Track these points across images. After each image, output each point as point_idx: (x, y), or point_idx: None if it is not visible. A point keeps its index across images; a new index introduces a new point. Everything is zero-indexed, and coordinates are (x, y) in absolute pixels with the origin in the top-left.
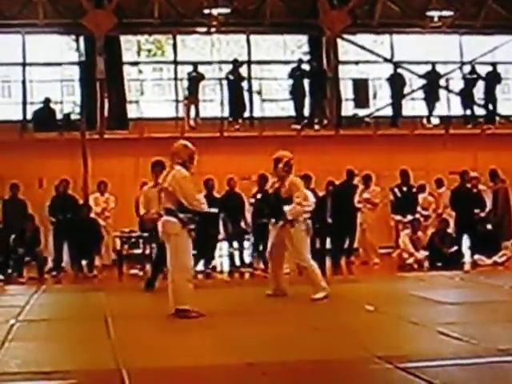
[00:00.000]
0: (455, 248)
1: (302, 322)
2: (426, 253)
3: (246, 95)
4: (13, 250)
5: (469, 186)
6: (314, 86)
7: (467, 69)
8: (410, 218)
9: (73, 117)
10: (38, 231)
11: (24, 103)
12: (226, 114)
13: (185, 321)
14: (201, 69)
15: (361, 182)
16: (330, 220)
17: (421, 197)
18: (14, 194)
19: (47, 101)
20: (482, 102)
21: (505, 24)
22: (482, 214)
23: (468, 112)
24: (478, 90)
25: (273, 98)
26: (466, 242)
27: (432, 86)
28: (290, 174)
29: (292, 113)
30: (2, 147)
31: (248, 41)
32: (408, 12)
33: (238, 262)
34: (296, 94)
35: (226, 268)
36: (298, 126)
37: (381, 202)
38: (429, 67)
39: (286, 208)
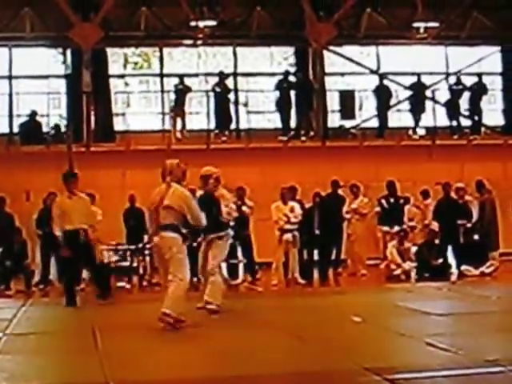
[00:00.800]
0: (442, 259)
1: (290, 334)
2: (413, 264)
3: (232, 107)
4: (0, 263)
5: (455, 196)
6: (300, 98)
7: (453, 80)
8: (397, 228)
9: (60, 128)
10: (25, 244)
11: (10, 116)
12: (213, 126)
13: (172, 333)
14: (187, 81)
15: (348, 192)
16: (317, 231)
17: (406, 208)
18: (1, 208)
19: (33, 114)
20: (468, 113)
21: (490, 35)
22: (469, 225)
23: (454, 123)
24: (464, 101)
25: (259, 109)
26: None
27: (418, 97)
28: (219, 188)
29: (278, 124)
30: None
31: (234, 53)
32: (394, 24)
33: (225, 274)
34: (282, 105)
35: None
36: (285, 138)
37: (369, 213)
38: (415, 78)
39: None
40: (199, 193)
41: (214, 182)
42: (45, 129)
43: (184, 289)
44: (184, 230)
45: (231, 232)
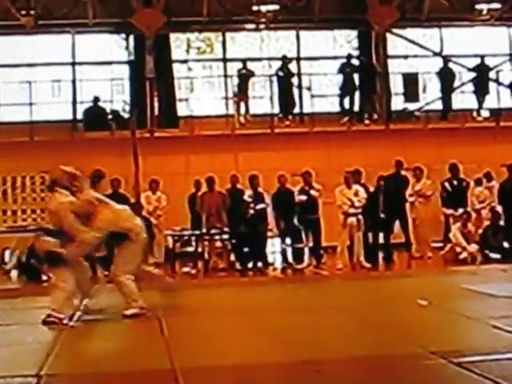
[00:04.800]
0: (507, 241)
1: (355, 318)
2: (478, 246)
3: (295, 91)
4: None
5: None
6: (363, 81)
7: None
8: (460, 211)
9: (123, 115)
10: None
11: (74, 102)
12: (276, 110)
13: (238, 318)
14: (250, 65)
15: (411, 174)
16: (382, 215)
17: (477, 190)
18: None
19: (96, 99)
20: None
21: None
22: None
23: None
24: None
25: (322, 93)
26: None
27: (482, 78)
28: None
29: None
30: (53, 147)
31: (297, 37)
32: (456, 5)
33: (290, 259)
34: (346, 89)
35: (279, 265)
36: (348, 121)
37: (432, 195)
38: (478, 60)
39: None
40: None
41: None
42: (109, 115)
43: (65, 290)
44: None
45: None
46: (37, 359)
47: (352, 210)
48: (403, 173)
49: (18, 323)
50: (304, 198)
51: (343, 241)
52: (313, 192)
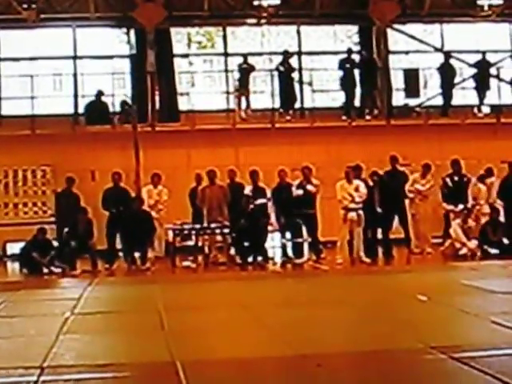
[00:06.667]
0: (507, 238)
1: (355, 313)
2: (477, 242)
3: (296, 86)
4: (66, 242)
5: None
6: (364, 76)
7: None
8: (461, 207)
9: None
10: (90, 224)
11: (75, 96)
12: (277, 105)
13: (238, 313)
14: (251, 60)
15: (421, 171)
16: (379, 210)
17: (470, 189)
18: (69, 188)
19: (99, 93)
20: None
21: None
22: None
23: None
24: None
25: (323, 88)
26: None
27: (482, 74)
28: None
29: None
30: (55, 140)
31: (298, 32)
32: (458, 1)
33: (290, 253)
34: (346, 84)
35: (279, 259)
36: (348, 117)
37: (431, 194)
38: (479, 56)
39: None
40: None
41: None
42: (110, 109)
43: None
44: None
45: None
46: (39, 351)
47: (352, 205)
48: (401, 168)
49: (21, 315)
50: (301, 192)
51: (343, 236)
52: (309, 187)
